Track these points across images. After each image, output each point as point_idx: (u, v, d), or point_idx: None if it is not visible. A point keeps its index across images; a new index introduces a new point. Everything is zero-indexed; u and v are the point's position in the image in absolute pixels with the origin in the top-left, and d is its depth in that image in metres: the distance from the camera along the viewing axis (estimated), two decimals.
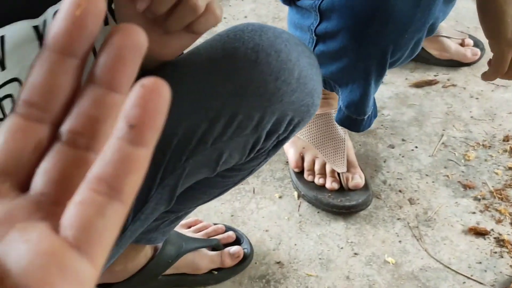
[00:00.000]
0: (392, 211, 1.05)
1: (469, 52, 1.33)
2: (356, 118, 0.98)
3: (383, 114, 1.24)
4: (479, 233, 1.00)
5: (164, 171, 0.61)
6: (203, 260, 0.92)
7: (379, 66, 0.90)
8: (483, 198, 1.07)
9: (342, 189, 1.05)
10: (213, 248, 0.95)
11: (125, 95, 0.21)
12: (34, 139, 0.22)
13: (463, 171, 1.12)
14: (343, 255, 0.98)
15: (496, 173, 1.11)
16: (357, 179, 1.05)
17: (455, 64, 1.33)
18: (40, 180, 0.22)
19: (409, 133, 1.20)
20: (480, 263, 0.96)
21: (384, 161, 1.14)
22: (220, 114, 0.59)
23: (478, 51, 1.33)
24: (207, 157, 0.61)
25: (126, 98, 0.21)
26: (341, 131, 1.08)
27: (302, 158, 1.08)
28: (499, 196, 1.07)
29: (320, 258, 0.98)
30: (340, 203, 1.03)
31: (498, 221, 1.02)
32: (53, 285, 0.19)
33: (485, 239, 1.00)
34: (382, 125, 1.21)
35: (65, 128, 0.22)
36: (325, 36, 0.90)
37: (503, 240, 0.99)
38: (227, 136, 0.60)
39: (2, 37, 0.44)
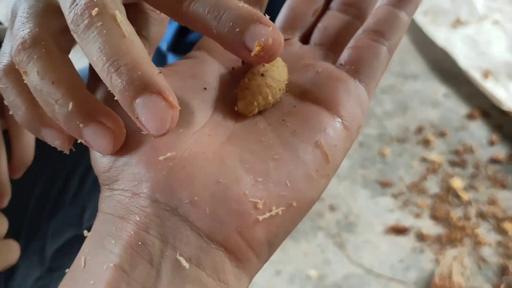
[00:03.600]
0: (313, 222, 1.04)
1: None
2: None
3: None
4: (399, 230, 1.00)
5: (27, 234, 0.57)
6: None
7: None
8: (401, 194, 1.07)
9: None
10: None
11: None
12: (315, 6, 0.30)
13: (380, 169, 1.12)
14: (265, 275, 0.96)
15: (412, 166, 1.11)
16: None
17: None
18: (318, 35, 0.29)
19: None
20: (402, 261, 0.96)
21: None
22: (75, 170, 0.56)
23: None
24: (69, 213, 0.58)
25: None
26: None
27: None
28: (415, 189, 1.07)
29: None
30: None
31: (417, 216, 1.02)
32: (341, 100, 0.24)
33: (405, 236, 0.99)
34: None
35: (337, 0, 0.30)
36: None
37: (422, 235, 0.99)
38: (85, 190, 0.57)
39: None
